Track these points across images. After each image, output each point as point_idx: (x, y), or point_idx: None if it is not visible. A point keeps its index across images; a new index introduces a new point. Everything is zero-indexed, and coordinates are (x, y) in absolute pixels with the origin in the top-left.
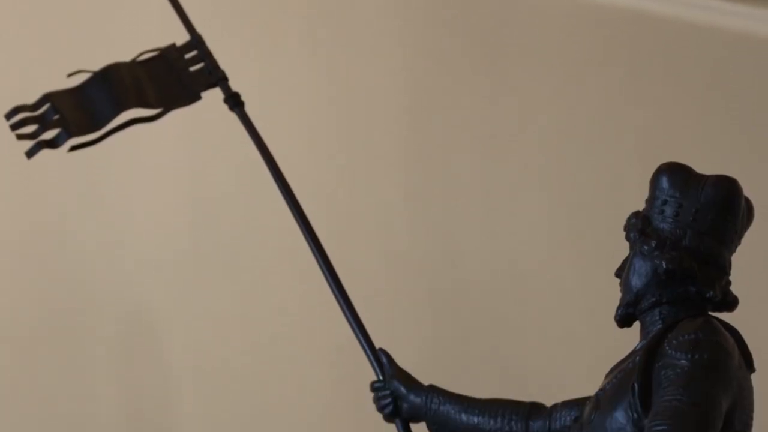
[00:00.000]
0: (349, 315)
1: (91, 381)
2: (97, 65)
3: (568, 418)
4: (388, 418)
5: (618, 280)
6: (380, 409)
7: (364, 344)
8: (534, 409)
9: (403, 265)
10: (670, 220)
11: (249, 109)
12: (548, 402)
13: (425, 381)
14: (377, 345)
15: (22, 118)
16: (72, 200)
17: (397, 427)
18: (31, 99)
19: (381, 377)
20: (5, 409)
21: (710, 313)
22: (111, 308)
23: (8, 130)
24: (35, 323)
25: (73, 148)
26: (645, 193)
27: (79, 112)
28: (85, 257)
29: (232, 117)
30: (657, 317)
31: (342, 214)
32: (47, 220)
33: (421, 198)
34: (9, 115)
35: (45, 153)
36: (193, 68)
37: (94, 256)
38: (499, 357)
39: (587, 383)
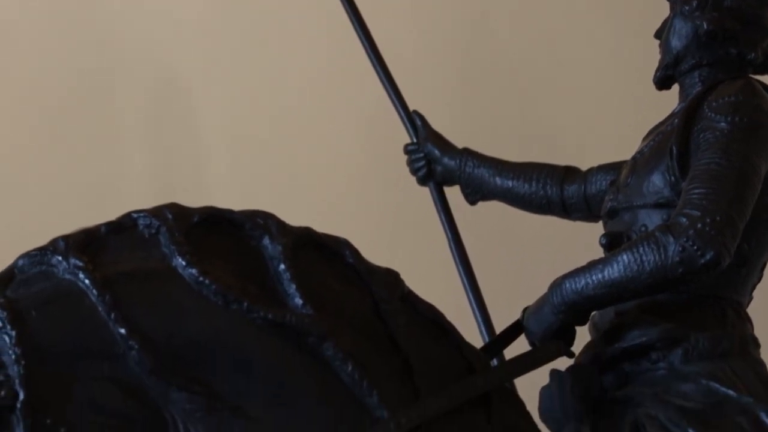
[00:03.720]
0: (383, 76)
1: (121, 145)
2: None
3: (604, 182)
4: (422, 180)
5: (657, 42)
6: (414, 171)
7: (398, 106)
8: (569, 172)
9: (436, 31)
10: None
11: None
12: (583, 167)
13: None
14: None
15: None
16: None
17: (430, 190)
18: None
19: (415, 140)
20: (36, 174)
21: (751, 75)
22: (141, 70)
23: None
24: (64, 87)
25: None
26: None
27: None
28: (114, 17)
29: None
30: (696, 79)
31: None
32: None
33: None
34: None
35: None
36: None
37: (124, 15)
38: (532, 124)
39: (623, 149)
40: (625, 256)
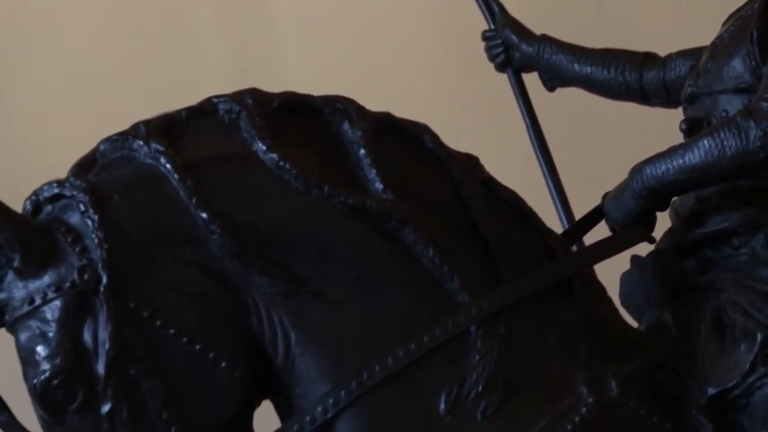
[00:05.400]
0: None
1: (198, 36)
2: None
3: (684, 68)
4: (500, 67)
5: None
6: (492, 58)
7: None
8: (648, 58)
9: None
10: None
11: None
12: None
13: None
14: None
15: None
16: None
17: (508, 76)
18: None
19: (493, 26)
20: (115, 66)
21: None
22: None
23: None
24: None
25: None
26: None
27: None
28: None
29: None
30: None
31: None
32: None
33: None
34: None
35: None
36: None
37: None
38: (605, 11)
39: (697, 37)
40: (705, 142)
